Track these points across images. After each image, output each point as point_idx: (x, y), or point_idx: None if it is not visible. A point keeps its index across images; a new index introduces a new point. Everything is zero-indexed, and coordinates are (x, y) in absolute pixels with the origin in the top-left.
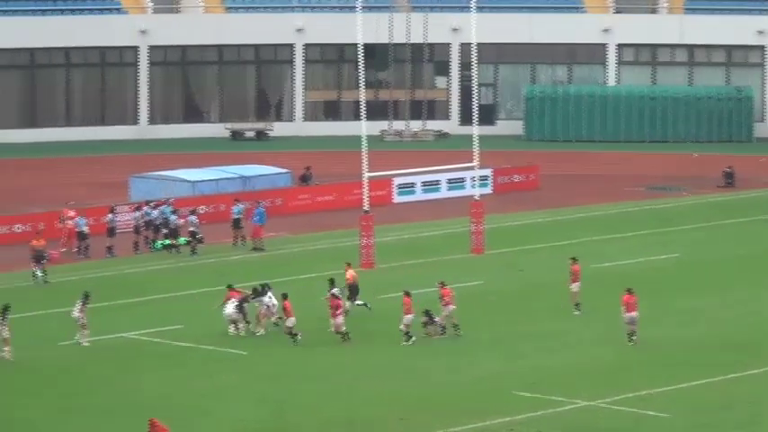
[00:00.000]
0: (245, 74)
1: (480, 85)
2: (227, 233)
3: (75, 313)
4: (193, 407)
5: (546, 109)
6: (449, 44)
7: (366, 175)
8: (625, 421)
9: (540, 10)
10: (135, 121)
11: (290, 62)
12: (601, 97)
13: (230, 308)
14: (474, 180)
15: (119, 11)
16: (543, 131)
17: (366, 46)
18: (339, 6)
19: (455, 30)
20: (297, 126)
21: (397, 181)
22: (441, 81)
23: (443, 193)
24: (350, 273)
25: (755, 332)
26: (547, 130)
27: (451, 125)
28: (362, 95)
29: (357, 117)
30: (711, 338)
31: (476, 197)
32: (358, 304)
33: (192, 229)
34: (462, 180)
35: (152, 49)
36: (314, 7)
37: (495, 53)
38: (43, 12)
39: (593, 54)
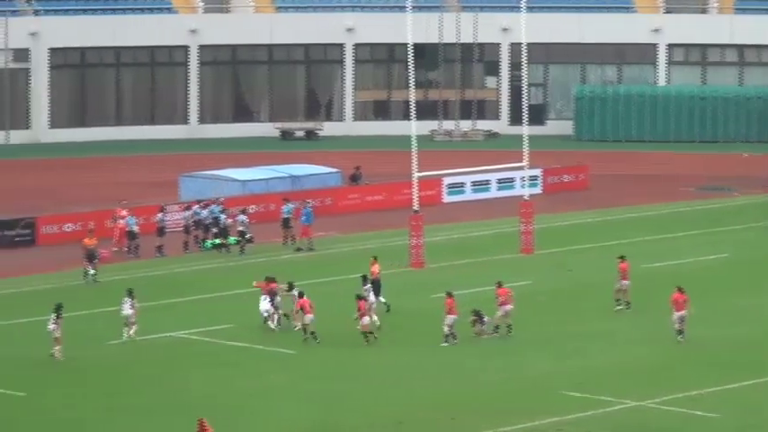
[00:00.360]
0: (294, 73)
1: (530, 84)
2: (276, 233)
3: (127, 310)
4: (241, 406)
5: (596, 109)
6: (498, 44)
7: (416, 174)
8: (674, 421)
9: (590, 10)
10: (185, 121)
11: (340, 62)
12: (651, 97)
13: (265, 304)
14: (524, 180)
15: (169, 10)
16: (593, 131)
17: (416, 46)
18: (389, 6)
19: (505, 30)
20: (347, 126)
21: (446, 181)
22: (491, 81)
23: (493, 192)
24: (375, 268)
25: None
26: (596, 130)
27: (501, 125)
28: (412, 95)
29: (407, 117)
30: (761, 338)
31: (525, 197)
32: (381, 302)
33: (241, 228)
34: (512, 180)
35: (202, 48)
36: (364, 7)
37: (544, 53)
38: (94, 11)
39: (643, 54)
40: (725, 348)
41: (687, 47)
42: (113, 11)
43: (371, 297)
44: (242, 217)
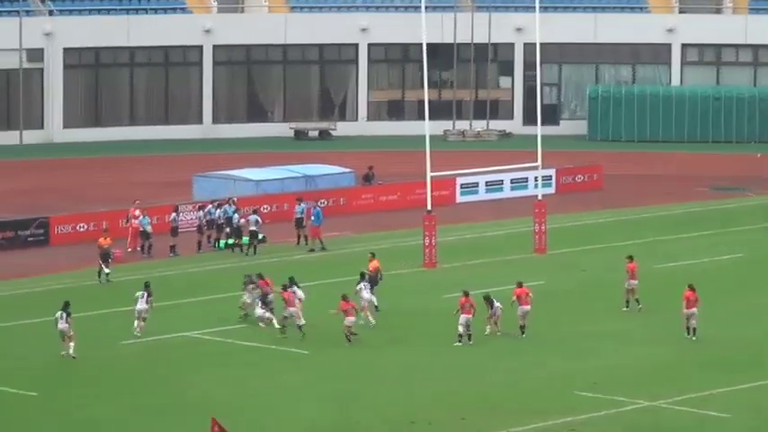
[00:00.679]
0: (308, 73)
1: (544, 84)
2: (290, 233)
3: (142, 305)
4: (255, 406)
5: (609, 109)
6: (512, 44)
7: (429, 174)
8: (687, 421)
9: (604, 10)
10: (199, 121)
11: (354, 62)
12: (665, 97)
13: (258, 310)
14: (537, 180)
15: (183, 10)
16: (607, 131)
17: (430, 46)
18: (403, 6)
19: (519, 30)
20: (360, 126)
21: (460, 181)
22: (504, 81)
23: (506, 192)
24: (372, 264)
25: None
26: (610, 130)
27: (515, 125)
28: (426, 95)
29: (420, 117)
30: None
31: (539, 197)
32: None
33: (252, 228)
34: (525, 180)
35: (216, 48)
36: (378, 7)
37: (558, 53)
38: (108, 11)
39: (657, 54)
40: (738, 348)
41: (701, 47)
42: (127, 11)
43: (366, 294)
44: (252, 217)
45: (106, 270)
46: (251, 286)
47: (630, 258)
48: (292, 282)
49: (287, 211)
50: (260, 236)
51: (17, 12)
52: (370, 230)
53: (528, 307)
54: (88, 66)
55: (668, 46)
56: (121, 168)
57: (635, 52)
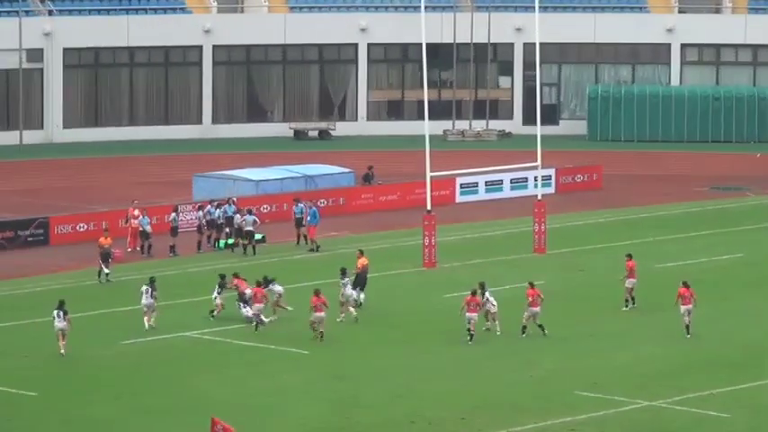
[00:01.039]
0: (308, 73)
1: (543, 84)
2: (290, 232)
3: (147, 300)
4: (255, 406)
5: (609, 109)
6: (512, 44)
7: (429, 174)
8: (686, 421)
9: (604, 10)
10: (198, 121)
11: (354, 62)
12: (664, 97)
13: (243, 311)
14: (537, 180)
15: (183, 10)
16: (606, 131)
17: (429, 46)
18: (403, 6)
19: (518, 29)
20: (360, 125)
21: (459, 180)
22: (504, 81)
23: (506, 192)
24: (361, 261)
25: None
26: (610, 130)
27: (515, 125)
28: (426, 95)
29: (420, 117)
30: None
31: (538, 197)
32: (361, 297)
33: (249, 228)
34: (525, 180)
35: (216, 48)
36: (378, 7)
37: (558, 53)
38: (108, 11)
39: (656, 54)
40: (738, 348)
41: (701, 47)
42: (127, 11)
43: (348, 290)
44: (248, 217)
45: (106, 270)
46: (226, 288)
47: (629, 257)
48: (267, 281)
49: (287, 212)
50: (259, 236)
51: (17, 12)
52: (370, 230)
53: (538, 309)
54: (88, 66)
55: (668, 46)
56: (121, 168)
57: (634, 52)
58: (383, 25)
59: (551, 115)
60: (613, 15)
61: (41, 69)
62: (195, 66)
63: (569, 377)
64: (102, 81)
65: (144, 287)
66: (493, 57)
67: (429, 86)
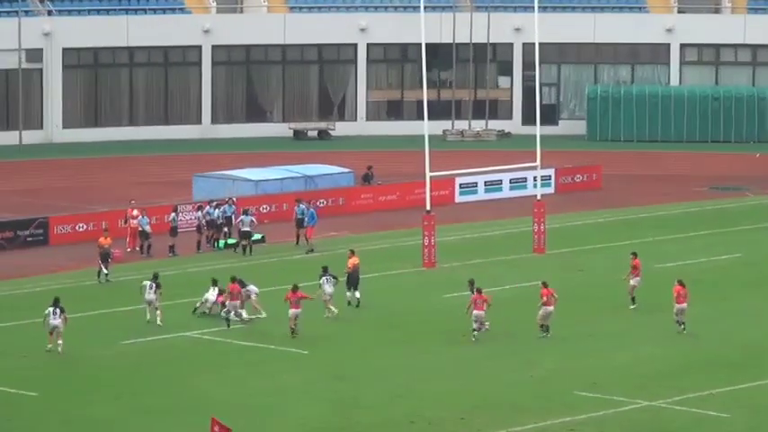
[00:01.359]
0: (308, 73)
1: (543, 84)
2: (289, 233)
3: (150, 295)
4: (255, 406)
5: (608, 109)
6: (511, 44)
7: (428, 174)
8: (686, 421)
9: (603, 10)
10: (198, 121)
11: (353, 62)
12: (663, 97)
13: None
14: (536, 180)
15: (182, 10)
16: (606, 131)
17: (429, 46)
18: (402, 6)
19: (518, 30)
20: (359, 125)
21: (459, 180)
22: (503, 81)
23: (505, 192)
24: (351, 261)
25: None
26: (609, 130)
27: (514, 125)
28: (425, 95)
29: (420, 117)
30: None
31: (538, 197)
32: (348, 297)
33: (245, 228)
34: (524, 180)
35: (215, 48)
36: (377, 7)
37: (557, 53)
38: (107, 11)
39: (655, 54)
40: (737, 348)
41: (700, 47)
42: (126, 11)
43: (328, 288)
44: (244, 217)
45: (105, 270)
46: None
47: (635, 255)
48: (236, 279)
49: (286, 212)
50: (258, 236)
51: (16, 12)
52: (370, 230)
53: (551, 308)
54: (87, 66)
55: (667, 46)
56: (121, 168)
57: (634, 52)
58: (382, 25)
59: (551, 115)
60: (613, 15)
61: (41, 69)
62: (195, 66)
63: (569, 377)
64: (102, 81)
65: (146, 282)
66: (492, 57)
67: (428, 86)
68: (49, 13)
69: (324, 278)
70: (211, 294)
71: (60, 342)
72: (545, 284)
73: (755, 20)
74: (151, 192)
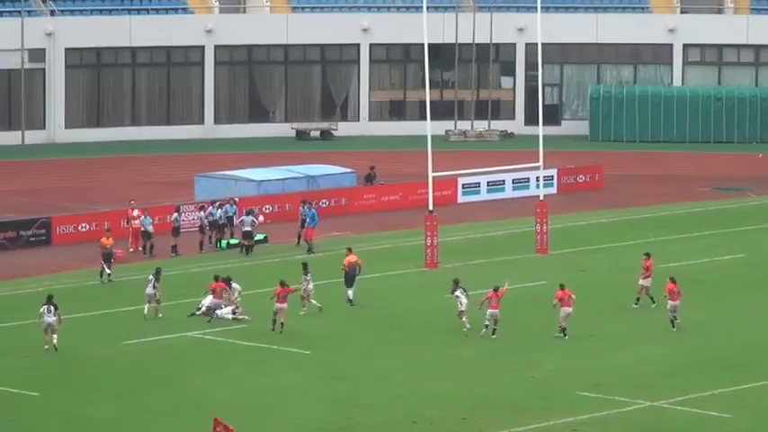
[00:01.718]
0: (310, 73)
1: (545, 85)
2: (292, 233)
3: (150, 290)
4: (256, 406)
5: (611, 109)
6: (514, 44)
7: (431, 174)
8: (688, 421)
9: (606, 10)
10: (200, 121)
11: (356, 62)
12: (666, 98)
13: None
14: (539, 180)
15: (185, 10)
16: (608, 132)
17: (431, 46)
18: (405, 6)
19: (520, 30)
20: (362, 126)
21: (461, 181)
22: (506, 81)
23: (508, 193)
24: (348, 259)
25: None
26: (612, 130)
27: (516, 125)
28: (428, 95)
29: (422, 117)
30: None
31: (540, 197)
32: (349, 298)
33: (247, 228)
34: (527, 180)
35: (218, 48)
36: (380, 7)
37: (560, 53)
38: (110, 11)
39: (658, 54)
40: (739, 348)
41: (703, 47)
42: (129, 11)
43: (310, 286)
44: (246, 217)
45: (108, 271)
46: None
47: (648, 255)
48: (219, 278)
49: (288, 212)
50: (261, 236)
51: (19, 12)
52: (372, 231)
53: (570, 309)
54: (90, 66)
55: (670, 46)
56: (123, 169)
57: (636, 52)
58: (385, 25)
59: (553, 115)
60: (615, 15)
61: (43, 69)
62: (197, 66)
63: (571, 377)
64: (104, 81)
65: (150, 276)
66: (495, 57)
67: (431, 87)
68: (52, 13)
69: (306, 277)
70: (207, 301)
71: (55, 337)
72: (562, 286)
73: (758, 20)
74: (153, 192)
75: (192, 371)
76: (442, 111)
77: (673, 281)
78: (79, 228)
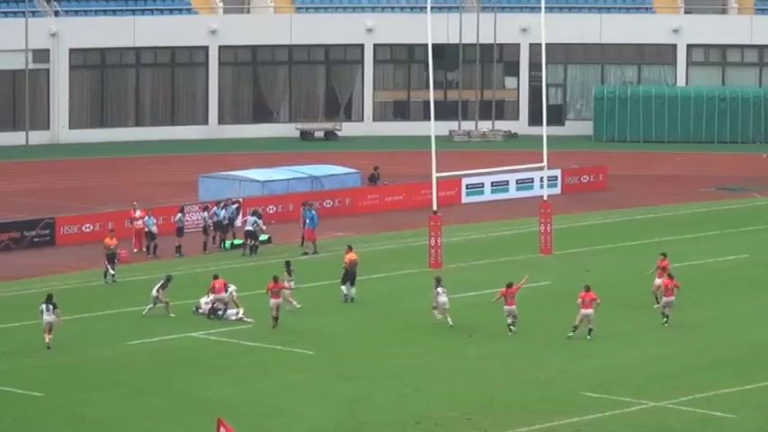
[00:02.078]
0: (314, 74)
1: (549, 85)
2: (296, 234)
3: (153, 292)
4: (260, 406)
5: (615, 109)
6: (518, 44)
7: (435, 175)
8: (692, 422)
9: (610, 10)
10: (204, 121)
11: (360, 62)
12: (670, 98)
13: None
14: (543, 180)
15: (189, 11)
16: (612, 132)
17: (435, 46)
18: (409, 6)
19: (524, 30)
20: (366, 126)
21: (465, 181)
22: (510, 81)
23: (512, 193)
24: (348, 257)
25: None
26: (616, 130)
27: (520, 125)
28: (432, 95)
29: (426, 117)
30: None
31: (544, 197)
32: (344, 292)
33: (249, 228)
34: (531, 180)
35: (222, 49)
36: (384, 7)
37: (564, 53)
38: (114, 12)
39: (662, 55)
40: (744, 349)
41: (707, 47)
42: (133, 11)
43: (290, 284)
44: (250, 217)
45: (112, 271)
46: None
47: (664, 256)
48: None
49: (293, 212)
50: (265, 237)
51: (23, 12)
52: (376, 231)
53: (591, 311)
54: (94, 66)
55: (673, 46)
56: (127, 169)
57: (640, 53)
58: (389, 26)
59: (557, 116)
60: (619, 16)
61: (47, 70)
62: (201, 66)
63: (576, 378)
64: (109, 82)
65: (161, 281)
66: (499, 57)
67: (435, 87)
68: (56, 13)
69: (288, 276)
70: (204, 300)
71: (50, 336)
72: (587, 288)
73: (762, 20)
74: (157, 192)
75: (197, 371)
76: (446, 111)
77: (669, 276)
78: (83, 228)
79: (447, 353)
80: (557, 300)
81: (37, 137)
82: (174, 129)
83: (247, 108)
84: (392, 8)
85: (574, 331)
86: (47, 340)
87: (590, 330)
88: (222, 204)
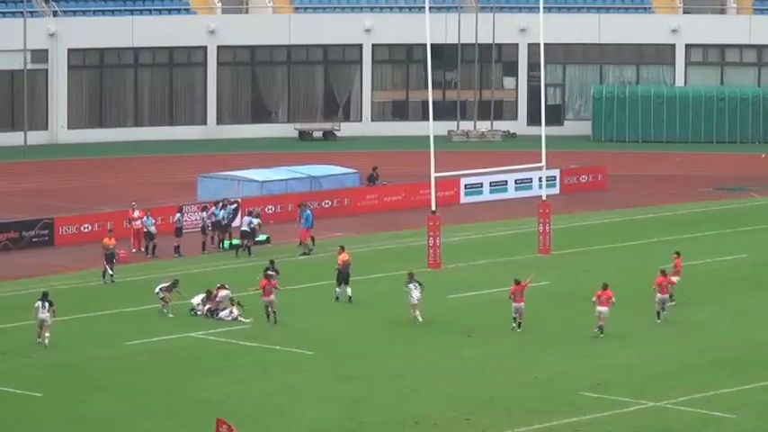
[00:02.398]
0: (313, 74)
1: (548, 85)
2: (294, 234)
3: (156, 290)
4: (260, 406)
5: (614, 109)
6: (516, 44)
7: (433, 175)
8: (691, 422)
9: (608, 10)
10: (203, 122)
11: (359, 62)
12: (669, 98)
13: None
14: (541, 180)
15: (187, 11)
16: (611, 132)
17: (434, 46)
18: (407, 7)
19: (523, 30)
20: (364, 126)
21: (464, 181)
22: (508, 81)
23: (511, 193)
24: (341, 257)
25: None
26: (614, 130)
27: (519, 125)
28: (430, 96)
29: (425, 117)
30: None
31: (543, 197)
32: (338, 293)
33: (245, 228)
34: (530, 180)
35: (221, 49)
36: (382, 7)
37: (562, 53)
38: (112, 12)
39: (661, 55)
40: (743, 349)
41: (705, 47)
42: (132, 11)
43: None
44: (247, 218)
45: (110, 271)
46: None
47: (678, 254)
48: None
49: (292, 212)
50: (263, 237)
51: (21, 12)
52: (375, 231)
53: (606, 308)
54: (92, 66)
55: (672, 46)
56: (126, 169)
57: (639, 53)
58: (388, 26)
59: (556, 116)
60: (618, 16)
61: (46, 70)
62: (200, 66)
63: (574, 378)
64: (107, 82)
65: (166, 283)
66: (497, 57)
67: (433, 87)
68: (54, 13)
69: (270, 272)
70: (196, 300)
71: (47, 335)
72: (605, 287)
73: (761, 20)
74: (156, 192)
75: (196, 371)
76: (445, 111)
77: (663, 273)
78: (82, 228)
79: (446, 353)
80: (556, 300)
81: (35, 137)
82: (173, 129)
83: (246, 108)
84: (390, 8)
85: (601, 331)
86: (40, 338)
87: (601, 328)
88: (220, 204)
